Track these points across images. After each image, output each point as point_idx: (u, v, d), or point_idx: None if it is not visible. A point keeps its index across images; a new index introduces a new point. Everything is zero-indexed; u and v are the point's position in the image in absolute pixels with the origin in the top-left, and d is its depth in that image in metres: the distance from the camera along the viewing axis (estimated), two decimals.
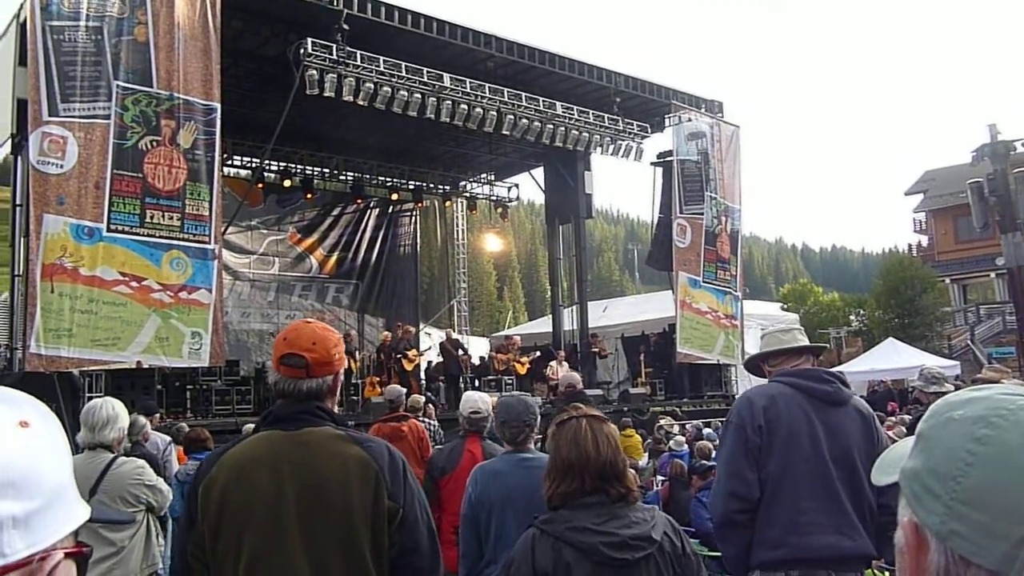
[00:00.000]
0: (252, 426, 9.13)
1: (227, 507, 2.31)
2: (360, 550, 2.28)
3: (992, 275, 39.31)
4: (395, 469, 2.39)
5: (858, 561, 3.41)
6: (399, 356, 17.27)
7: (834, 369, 4.37)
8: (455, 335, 21.07)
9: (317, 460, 2.35)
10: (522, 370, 19.66)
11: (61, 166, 11.57)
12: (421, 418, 9.39)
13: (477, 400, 5.22)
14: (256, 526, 2.28)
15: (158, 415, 10.14)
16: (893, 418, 11.85)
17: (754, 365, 4.06)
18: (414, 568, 2.37)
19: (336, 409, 2.62)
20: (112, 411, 4.61)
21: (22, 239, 12.19)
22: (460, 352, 18.57)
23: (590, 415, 2.71)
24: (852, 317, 46.17)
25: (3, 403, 0.89)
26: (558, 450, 2.65)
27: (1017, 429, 0.77)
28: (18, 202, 12.83)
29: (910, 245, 49.84)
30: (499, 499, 3.71)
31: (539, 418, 4.16)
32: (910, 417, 10.45)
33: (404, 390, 9.24)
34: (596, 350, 21.08)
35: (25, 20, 11.84)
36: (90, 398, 11.42)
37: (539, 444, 4.42)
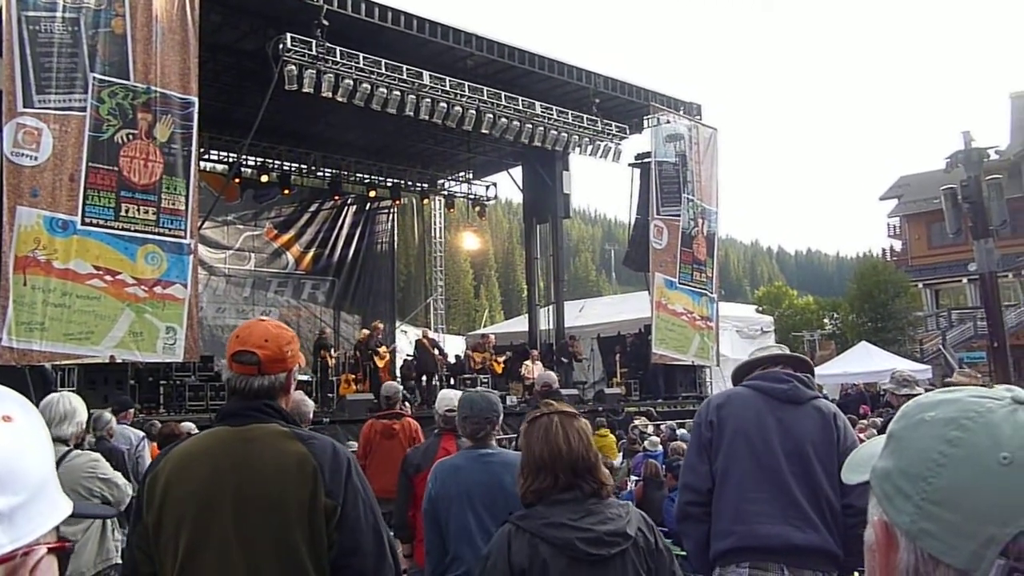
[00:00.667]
0: (191, 424, 9.02)
1: (168, 500, 2.32)
2: (295, 546, 2.26)
3: (964, 280, 39.69)
4: (336, 466, 2.36)
5: (813, 555, 3.39)
6: (370, 353, 17.24)
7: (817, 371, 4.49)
8: (432, 334, 21.06)
9: (256, 455, 2.34)
10: (499, 369, 19.68)
11: (35, 158, 11.45)
12: None
13: (453, 398, 5.22)
14: (193, 519, 2.28)
15: (132, 410, 10.05)
16: (865, 420, 11.96)
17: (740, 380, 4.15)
18: (354, 570, 2.34)
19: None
20: (70, 406, 4.56)
21: None
22: (436, 351, 18.56)
23: (561, 411, 2.72)
24: (826, 320, 46.55)
25: None
26: (530, 447, 2.66)
27: (987, 431, 0.79)
28: None
29: (884, 250, 50.38)
30: (458, 495, 3.72)
31: (501, 415, 4.17)
32: (881, 419, 10.55)
33: (400, 387, 9.18)
34: (573, 351, 21.12)
35: (0, 10, 11.73)
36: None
37: (513, 444, 4.44)
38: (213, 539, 2.27)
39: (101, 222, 11.97)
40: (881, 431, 6.85)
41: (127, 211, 12.20)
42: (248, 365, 2.44)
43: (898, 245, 47.99)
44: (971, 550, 0.75)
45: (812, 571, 3.40)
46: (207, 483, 2.32)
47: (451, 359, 21.11)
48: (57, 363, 11.88)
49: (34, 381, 11.40)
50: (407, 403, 12.57)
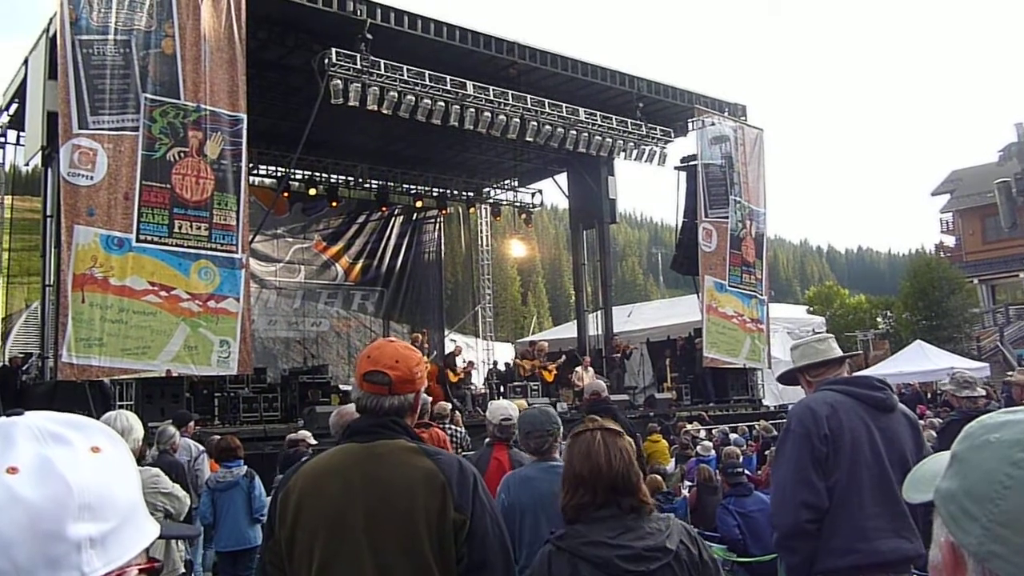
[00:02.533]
0: (304, 432, 9.17)
1: (301, 515, 2.38)
2: (425, 559, 2.30)
3: (1021, 275, 38.94)
4: (464, 481, 2.41)
5: (915, 561, 3.45)
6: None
7: (860, 372, 4.45)
8: (456, 347, 20.67)
9: (385, 470, 2.40)
10: (550, 377, 19.65)
11: (91, 178, 11.70)
12: (448, 425, 9.43)
13: (507, 408, 5.25)
14: (326, 534, 2.34)
15: (192, 422, 10.23)
16: (923, 421, 11.78)
17: (791, 376, 4.11)
18: None
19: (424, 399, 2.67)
20: (127, 423, 4.69)
21: (53, 250, 12.38)
22: (450, 371, 18.21)
23: (605, 428, 2.72)
24: (879, 319, 45.86)
25: (75, 430, 0.94)
26: (571, 462, 2.68)
27: None
28: (49, 213, 13.05)
29: (937, 246, 49.50)
30: (531, 504, 3.76)
31: (561, 426, 4.22)
32: (940, 420, 10.38)
33: (429, 398, 9.25)
34: (621, 348, 21.09)
35: (55, 35, 12.03)
36: (121, 407, 11.56)
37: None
38: (346, 553, 2.32)
39: (155, 239, 12.20)
40: (940, 433, 6.74)
41: (180, 227, 12.42)
42: (380, 385, 2.50)
43: (951, 241, 47.23)
44: None
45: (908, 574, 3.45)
46: (339, 498, 2.37)
47: (500, 367, 21.15)
48: (115, 378, 12.11)
49: (93, 396, 11.67)
50: (457, 413, 12.60)
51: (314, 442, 8.60)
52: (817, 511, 3.49)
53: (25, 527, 0.84)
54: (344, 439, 2.57)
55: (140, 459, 6.22)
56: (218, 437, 9.46)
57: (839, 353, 3.93)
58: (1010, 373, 6.67)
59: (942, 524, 0.87)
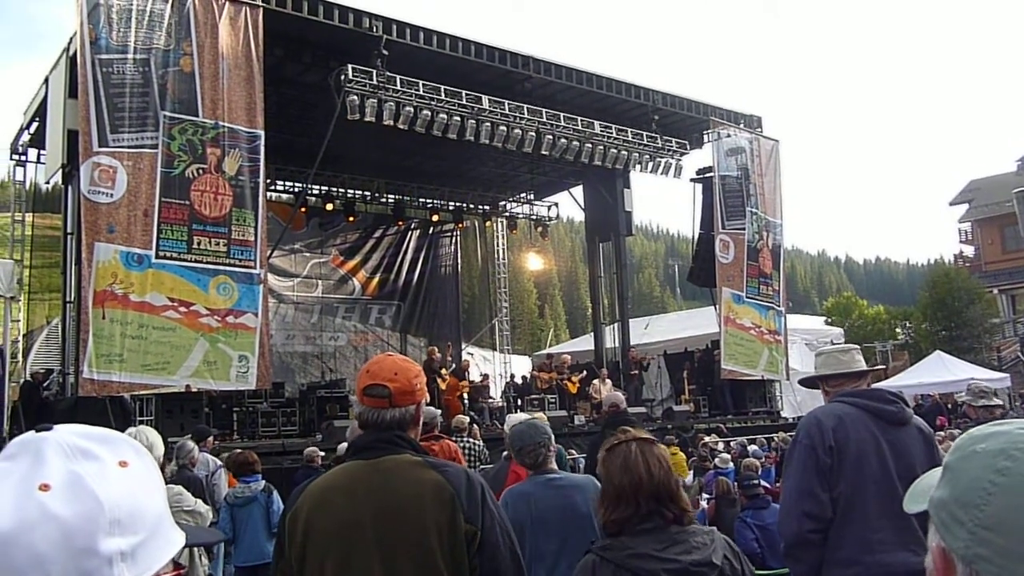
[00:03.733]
0: (314, 449, 9.33)
1: (310, 535, 2.40)
2: (439, 572, 2.31)
3: None
4: (472, 492, 2.42)
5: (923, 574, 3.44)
6: (433, 376, 17.27)
7: (880, 384, 4.47)
8: (465, 361, 20.50)
9: (393, 485, 2.41)
10: (573, 389, 19.64)
11: (111, 195, 11.83)
12: (466, 438, 9.45)
13: (525, 420, 5.27)
14: (337, 552, 2.35)
15: (211, 437, 10.31)
16: (942, 432, 11.71)
17: (811, 382, 4.18)
18: None
19: (434, 413, 2.69)
20: (147, 441, 4.73)
21: (73, 266, 12.51)
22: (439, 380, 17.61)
23: (639, 438, 2.71)
24: (898, 330, 45.70)
25: (103, 444, 0.99)
26: (610, 476, 2.64)
27: None
28: (69, 231, 13.19)
29: (956, 256, 49.24)
30: (531, 521, 3.77)
31: (552, 436, 4.25)
32: (959, 432, 10.33)
33: (438, 411, 9.28)
34: (639, 362, 21.06)
35: (75, 54, 12.17)
36: (141, 422, 11.66)
37: (584, 464, 4.49)
38: (358, 569, 2.34)
39: (174, 255, 12.31)
40: None
41: (199, 243, 12.53)
42: (380, 398, 2.52)
43: (970, 251, 46.95)
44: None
45: None
46: (348, 516, 2.39)
47: (517, 380, 21.16)
48: (135, 393, 12.20)
49: (114, 411, 11.76)
50: (475, 426, 12.62)
51: (322, 453, 8.61)
52: (819, 521, 3.53)
53: (59, 543, 0.88)
54: (349, 457, 2.59)
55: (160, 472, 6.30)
56: (236, 452, 9.51)
57: (860, 367, 3.95)
58: None
59: (935, 531, 0.92)
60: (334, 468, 2.64)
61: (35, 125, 15.72)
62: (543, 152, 17.86)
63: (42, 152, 15.89)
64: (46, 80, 14.34)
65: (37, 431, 1.01)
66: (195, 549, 5.30)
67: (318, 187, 21.89)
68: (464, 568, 2.35)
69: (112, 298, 11.70)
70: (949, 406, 22.56)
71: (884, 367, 33.24)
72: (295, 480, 8.41)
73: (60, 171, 13.14)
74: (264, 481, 8.11)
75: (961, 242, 48.10)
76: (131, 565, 0.92)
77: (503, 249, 27.05)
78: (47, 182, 15.82)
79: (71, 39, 12.63)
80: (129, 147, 12.05)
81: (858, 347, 4.20)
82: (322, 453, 10.35)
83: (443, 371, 17.81)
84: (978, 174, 52.11)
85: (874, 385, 4.15)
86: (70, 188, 13.06)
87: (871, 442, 3.58)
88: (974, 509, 0.85)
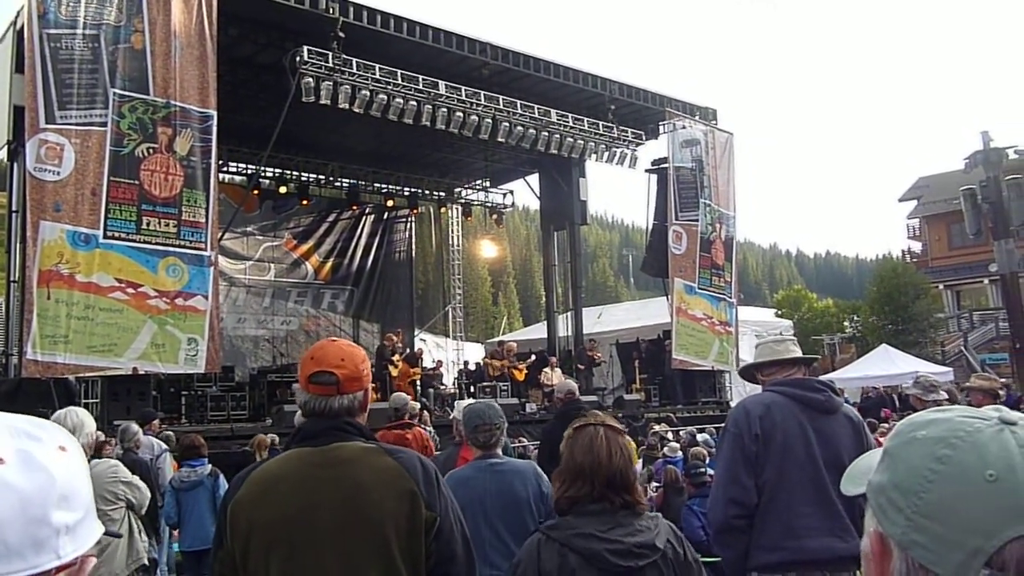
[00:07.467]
0: (263, 435, 9.20)
1: (254, 527, 2.30)
2: (394, 561, 2.27)
3: (985, 281, 39.45)
4: (429, 479, 2.38)
5: (851, 561, 3.51)
6: (385, 362, 17.22)
7: (827, 376, 4.55)
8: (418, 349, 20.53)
9: (350, 474, 2.34)
10: (520, 376, 19.71)
11: (58, 173, 11.60)
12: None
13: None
14: (285, 545, 2.28)
15: (156, 420, 10.17)
16: (886, 424, 11.91)
17: (748, 373, 4.26)
18: None
19: (404, 398, 2.64)
20: (77, 419, 4.72)
21: (18, 245, 12.22)
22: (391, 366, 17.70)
23: (608, 424, 2.77)
24: (846, 323, 46.40)
25: (42, 430, 1.03)
26: (572, 454, 2.69)
27: (974, 450, 0.85)
28: (14, 208, 12.87)
29: (904, 251, 50.08)
30: (469, 505, 3.77)
31: (506, 421, 4.28)
32: None
33: (408, 398, 9.22)
34: (591, 356, 21.14)
35: (22, 27, 11.89)
36: (86, 404, 11.47)
37: (536, 450, 4.50)
38: (312, 563, 2.26)
39: (123, 235, 12.10)
40: None
41: (148, 224, 12.33)
42: (327, 386, 2.43)
43: (918, 247, 47.81)
44: (958, 560, 0.81)
45: (847, 574, 3.53)
46: (298, 506, 2.30)
47: (471, 367, 21.17)
48: (81, 375, 11.99)
49: (58, 393, 11.54)
50: (425, 412, 12.61)
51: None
52: (745, 508, 3.61)
53: (17, 511, 0.92)
54: (295, 444, 2.48)
55: (97, 453, 6.31)
56: (181, 435, 9.40)
57: (793, 354, 4.00)
58: (969, 380, 6.78)
59: (872, 515, 0.92)
60: (279, 456, 2.54)
61: None
62: (499, 139, 17.83)
63: None
64: None
65: None
66: (135, 526, 5.35)
67: (272, 169, 21.58)
68: (420, 556, 2.31)
69: (58, 278, 11.48)
70: (894, 397, 22.96)
71: (832, 359, 33.79)
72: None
73: (5, 147, 12.83)
74: (211, 465, 8.03)
75: (909, 238, 48.94)
76: (72, 539, 0.98)
77: (458, 236, 26.99)
78: None
79: (18, 12, 12.31)
80: (77, 124, 11.81)
81: (793, 338, 4.27)
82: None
83: (395, 357, 17.73)
84: (927, 171, 53.11)
85: (825, 377, 4.21)
86: (15, 165, 12.74)
87: (798, 430, 3.65)
88: (913, 496, 0.86)
